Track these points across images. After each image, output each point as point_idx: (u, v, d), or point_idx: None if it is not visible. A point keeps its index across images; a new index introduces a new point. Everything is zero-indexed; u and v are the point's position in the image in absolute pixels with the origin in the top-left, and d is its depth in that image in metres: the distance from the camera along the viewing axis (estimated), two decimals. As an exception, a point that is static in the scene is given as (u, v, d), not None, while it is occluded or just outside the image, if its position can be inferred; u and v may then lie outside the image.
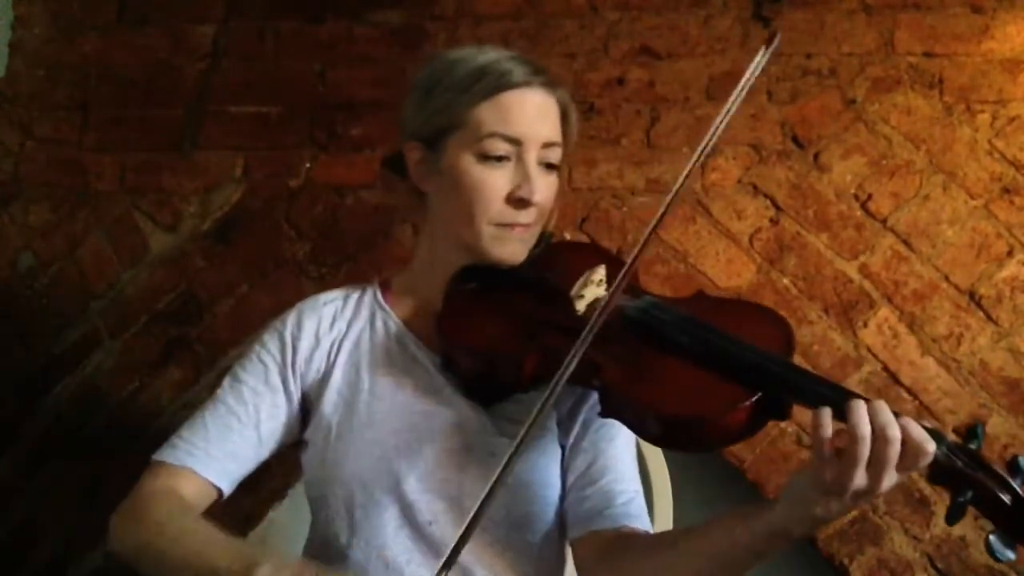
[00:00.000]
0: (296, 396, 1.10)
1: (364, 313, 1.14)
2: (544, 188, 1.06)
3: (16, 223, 2.10)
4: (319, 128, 2.00)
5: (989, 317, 1.69)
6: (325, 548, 1.08)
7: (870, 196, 1.76)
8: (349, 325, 1.13)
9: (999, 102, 1.74)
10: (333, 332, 1.13)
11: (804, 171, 1.80)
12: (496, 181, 1.04)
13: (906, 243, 1.74)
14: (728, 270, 1.79)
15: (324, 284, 1.90)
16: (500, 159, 1.04)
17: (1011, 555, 0.78)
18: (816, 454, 0.78)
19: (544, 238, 1.13)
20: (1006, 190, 1.72)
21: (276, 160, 2.01)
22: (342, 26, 2.03)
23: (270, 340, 1.12)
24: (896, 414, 0.78)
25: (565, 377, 0.88)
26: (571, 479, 1.06)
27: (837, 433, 0.79)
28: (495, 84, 1.03)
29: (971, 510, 0.79)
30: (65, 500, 1.93)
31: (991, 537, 0.78)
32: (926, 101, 1.77)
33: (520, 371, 0.98)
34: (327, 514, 1.06)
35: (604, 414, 0.95)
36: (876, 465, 0.76)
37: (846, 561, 1.66)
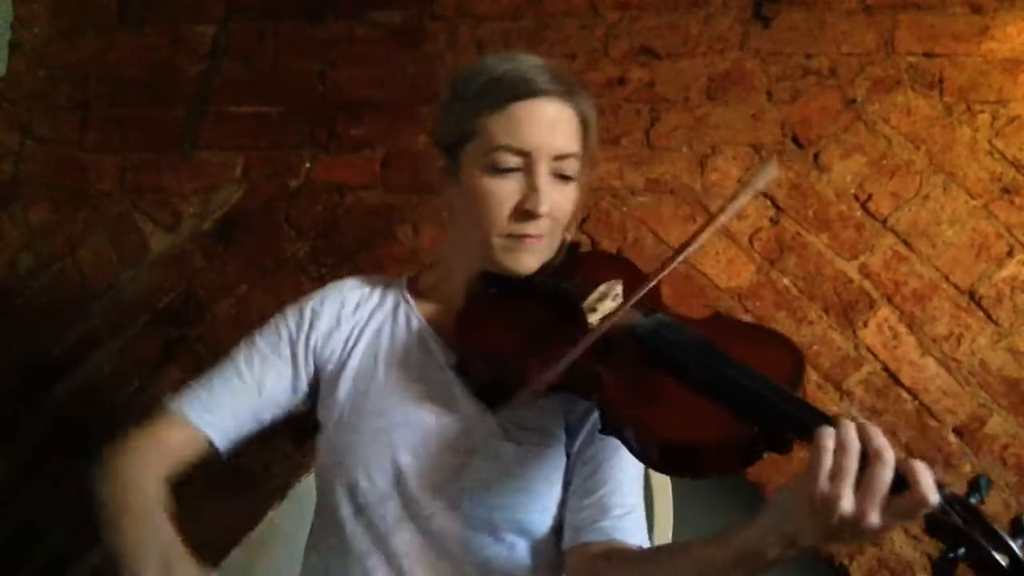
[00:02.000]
0: (306, 369, 1.13)
1: (388, 304, 1.17)
2: (557, 199, 1.05)
3: (16, 223, 2.10)
4: (319, 128, 2.00)
5: (989, 317, 1.69)
6: (327, 536, 1.09)
7: (870, 196, 1.76)
8: (372, 314, 1.16)
9: (999, 102, 1.74)
10: (355, 316, 1.16)
11: (804, 171, 1.79)
12: (503, 193, 1.04)
13: (906, 243, 1.74)
14: (728, 270, 1.79)
15: (324, 284, 1.89)
16: (509, 171, 1.03)
17: None
18: (812, 469, 0.75)
19: (568, 247, 1.14)
20: (1006, 190, 1.72)
21: (276, 160, 2.01)
22: (342, 26, 2.03)
23: (291, 313, 1.17)
24: (913, 459, 0.73)
25: (538, 385, 0.89)
26: (572, 487, 1.06)
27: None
28: (507, 95, 1.02)
29: None
30: (65, 500, 1.93)
31: None
32: (926, 101, 1.77)
33: (524, 378, 0.98)
34: (333, 500, 1.07)
35: (603, 431, 0.94)
36: (867, 488, 0.72)
37: (846, 561, 1.65)
